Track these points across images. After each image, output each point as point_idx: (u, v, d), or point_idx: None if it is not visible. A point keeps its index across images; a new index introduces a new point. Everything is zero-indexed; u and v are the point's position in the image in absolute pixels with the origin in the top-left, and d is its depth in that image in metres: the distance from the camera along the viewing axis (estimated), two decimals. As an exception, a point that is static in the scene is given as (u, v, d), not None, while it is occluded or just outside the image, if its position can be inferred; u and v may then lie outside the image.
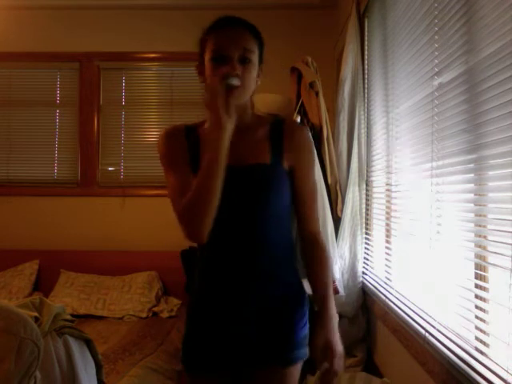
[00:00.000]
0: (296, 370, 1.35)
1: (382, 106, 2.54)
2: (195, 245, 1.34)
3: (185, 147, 1.30)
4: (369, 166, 2.79)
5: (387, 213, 2.42)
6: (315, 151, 1.37)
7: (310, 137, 1.37)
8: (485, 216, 1.40)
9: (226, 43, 1.22)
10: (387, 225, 2.41)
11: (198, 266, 1.36)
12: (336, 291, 2.59)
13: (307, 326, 1.37)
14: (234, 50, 1.22)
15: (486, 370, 1.29)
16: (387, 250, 2.38)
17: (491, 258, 1.35)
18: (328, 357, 1.27)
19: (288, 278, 1.34)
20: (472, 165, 1.43)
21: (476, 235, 1.44)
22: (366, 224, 2.79)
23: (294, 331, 1.32)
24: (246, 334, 1.30)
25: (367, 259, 2.74)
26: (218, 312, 1.31)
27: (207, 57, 1.26)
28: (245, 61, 1.23)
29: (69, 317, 1.65)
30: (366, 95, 2.83)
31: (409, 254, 2.04)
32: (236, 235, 1.28)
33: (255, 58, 1.26)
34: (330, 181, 2.69)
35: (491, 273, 1.37)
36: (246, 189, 1.25)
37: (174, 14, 3.80)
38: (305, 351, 1.35)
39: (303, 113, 2.77)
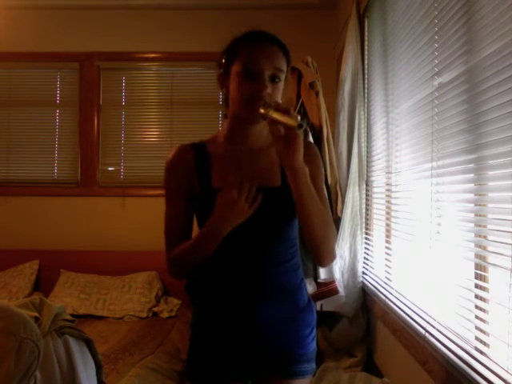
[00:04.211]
0: (304, 383, 1.34)
1: (381, 106, 2.54)
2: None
3: (189, 172, 1.29)
4: (369, 166, 2.79)
5: (387, 213, 2.42)
6: (322, 167, 1.36)
7: (318, 153, 1.35)
8: (485, 216, 1.40)
9: (258, 60, 1.19)
10: (387, 225, 2.41)
11: (203, 279, 1.34)
12: (336, 291, 2.59)
13: (315, 340, 1.37)
14: (266, 68, 1.19)
15: (486, 370, 1.29)
16: (387, 250, 2.38)
17: (491, 258, 1.35)
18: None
19: (296, 292, 1.34)
20: (472, 165, 1.43)
21: (476, 235, 1.44)
22: (366, 224, 2.79)
23: (303, 343, 1.32)
24: (254, 346, 1.29)
25: (367, 259, 2.74)
26: (226, 325, 1.30)
27: (235, 69, 1.22)
28: (274, 80, 1.21)
29: (69, 317, 1.65)
30: (366, 95, 2.83)
31: (409, 254, 2.04)
32: (246, 256, 1.28)
33: (283, 77, 1.24)
34: (330, 181, 2.69)
35: (491, 273, 1.37)
36: (256, 212, 1.24)
37: (174, 13, 3.80)
38: (313, 366, 1.34)
39: (303, 113, 2.77)
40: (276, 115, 1.10)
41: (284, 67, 1.24)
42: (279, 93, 1.24)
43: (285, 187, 1.25)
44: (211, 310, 1.33)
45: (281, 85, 1.23)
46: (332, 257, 1.29)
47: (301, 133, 1.11)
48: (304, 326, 1.33)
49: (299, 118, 1.10)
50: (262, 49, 1.21)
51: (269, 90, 1.19)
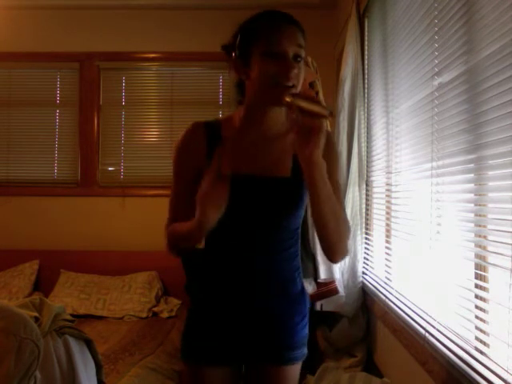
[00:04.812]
0: (295, 369, 1.35)
1: (381, 106, 2.54)
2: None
3: (200, 152, 1.27)
4: (369, 166, 2.79)
5: (387, 213, 2.42)
6: (338, 158, 1.32)
7: (335, 144, 1.31)
8: (485, 216, 1.40)
9: (281, 40, 1.16)
10: (387, 225, 2.41)
11: (202, 264, 1.35)
12: (336, 291, 2.59)
13: (307, 326, 1.37)
14: (289, 47, 1.17)
15: (486, 369, 1.29)
16: (387, 250, 2.38)
17: (491, 258, 1.35)
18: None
19: (289, 281, 1.34)
20: (472, 165, 1.43)
21: (476, 235, 1.44)
22: (366, 224, 2.79)
23: (294, 331, 1.32)
24: (247, 331, 1.30)
25: (367, 259, 2.74)
26: (220, 309, 1.31)
27: (258, 51, 1.18)
28: (297, 59, 1.18)
29: (69, 317, 1.65)
30: (366, 95, 2.83)
31: (409, 254, 2.04)
32: (247, 242, 1.28)
33: (304, 54, 1.21)
34: (330, 181, 2.69)
35: (491, 273, 1.37)
36: (263, 201, 1.24)
37: (174, 13, 3.80)
38: (304, 351, 1.35)
39: (303, 113, 2.77)
40: (305, 104, 1.05)
41: (304, 43, 1.21)
42: (303, 72, 1.21)
43: (294, 179, 1.23)
44: (207, 297, 1.34)
45: (302, 64, 1.20)
46: (344, 254, 1.27)
47: (325, 125, 1.07)
48: (295, 314, 1.33)
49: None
50: (282, 28, 1.19)
51: (296, 71, 1.17)
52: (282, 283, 1.32)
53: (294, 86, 1.17)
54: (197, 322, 1.35)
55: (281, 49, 1.16)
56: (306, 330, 1.37)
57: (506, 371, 1.20)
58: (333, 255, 1.25)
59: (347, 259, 2.69)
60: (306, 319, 1.37)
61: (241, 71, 1.24)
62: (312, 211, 1.17)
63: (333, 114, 1.06)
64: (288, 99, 1.07)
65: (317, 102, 1.07)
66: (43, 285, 3.56)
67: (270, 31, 1.18)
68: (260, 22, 1.21)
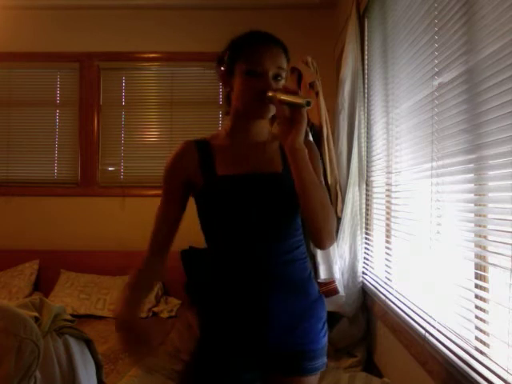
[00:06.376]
0: (316, 378, 1.33)
1: (382, 106, 2.54)
2: (195, 245, 1.35)
3: (193, 166, 1.31)
4: (369, 166, 2.79)
5: (387, 213, 2.42)
6: (320, 165, 1.37)
7: (317, 151, 1.39)
8: (485, 216, 1.40)
9: (263, 61, 1.24)
10: (387, 225, 2.41)
11: (210, 273, 1.34)
12: (336, 291, 2.59)
13: (326, 335, 1.35)
14: (270, 67, 1.24)
15: (486, 369, 1.29)
16: (387, 250, 2.38)
17: (491, 258, 1.35)
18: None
19: (306, 283, 1.33)
20: (472, 165, 1.43)
21: (476, 235, 1.44)
22: (366, 224, 2.79)
23: (314, 340, 1.31)
24: (267, 342, 1.27)
25: (367, 259, 2.74)
26: (238, 322, 1.28)
27: (240, 69, 1.26)
28: (277, 78, 1.26)
29: (69, 317, 1.65)
30: (366, 95, 2.83)
31: (409, 253, 2.04)
32: (252, 240, 1.28)
33: (285, 74, 1.29)
34: (330, 181, 2.69)
35: (491, 273, 1.37)
36: (260, 196, 1.27)
37: (174, 13, 3.80)
38: (324, 360, 1.33)
39: (303, 113, 2.77)
40: (284, 96, 1.17)
41: (285, 65, 1.29)
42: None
43: (286, 173, 1.27)
44: (219, 307, 1.31)
45: (282, 82, 1.28)
46: (332, 240, 1.30)
47: (305, 114, 1.16)
48: (316, 320, 1.32)
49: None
50: (265, 50, 1.26)
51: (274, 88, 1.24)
52: (297, 286, 1.30)
53: None
54: (211, 339, 1.31)
55: (261, 70, 1.24)
56: (326, 339, 1.35)
57: (506, 371, 1.20)
58: (320, 242, 1.28)
59: (347, 259, 2.69)
60: (326, 326, 1.35)
61: (226, 84, 1.32)
62: (299, 199, 1.22)
63: (310, 105, 1.15)
64: (270, 94, 1.20)
65: (295, 93, 1.17)
66: (43, 285, 3.56)
67: (254, 51, 1.26)
68: (246, 40, 1.29)
